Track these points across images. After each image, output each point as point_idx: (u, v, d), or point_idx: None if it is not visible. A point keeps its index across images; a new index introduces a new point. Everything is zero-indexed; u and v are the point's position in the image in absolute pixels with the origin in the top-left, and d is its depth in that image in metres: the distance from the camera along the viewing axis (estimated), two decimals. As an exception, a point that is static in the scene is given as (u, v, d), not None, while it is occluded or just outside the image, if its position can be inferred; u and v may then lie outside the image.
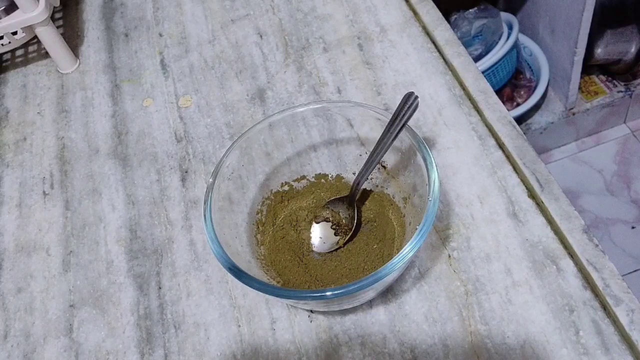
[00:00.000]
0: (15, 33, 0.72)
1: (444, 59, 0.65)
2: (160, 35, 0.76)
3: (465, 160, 0.56)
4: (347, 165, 0.55)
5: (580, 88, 1.44)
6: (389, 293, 0.50)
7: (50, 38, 0.70)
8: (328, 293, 0.40)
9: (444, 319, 0.48)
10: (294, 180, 0.55)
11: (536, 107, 1.41)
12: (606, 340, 0.45)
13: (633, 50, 1.38)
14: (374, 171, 0.51)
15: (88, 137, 0.67)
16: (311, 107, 0.51)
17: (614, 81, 1.45)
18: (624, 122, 1.50)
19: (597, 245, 0.49)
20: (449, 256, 0.51)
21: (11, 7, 0.67)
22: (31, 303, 0.55)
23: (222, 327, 0.50)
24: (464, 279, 0.49)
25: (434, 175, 0.44)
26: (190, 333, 0.50)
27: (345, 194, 0.53)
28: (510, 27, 1.32)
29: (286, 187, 0.55)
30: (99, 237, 0.58)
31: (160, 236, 0.57)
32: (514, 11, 1.43)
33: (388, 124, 0.47)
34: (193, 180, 0.60)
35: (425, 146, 0.46)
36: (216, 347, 0.49)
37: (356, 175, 0.50)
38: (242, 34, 0.73)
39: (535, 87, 1.39)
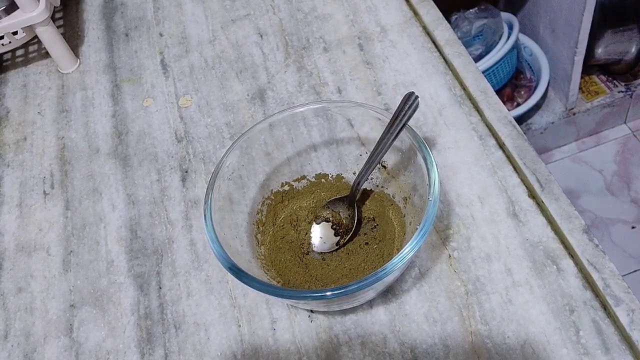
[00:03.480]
0: (15, 33, 0.72)
1: (444, 59, 0.65)
2: (161, 35, 0.76)
3: (466, 160, 0.56)
4: (348, 165, 0.55)
5: (580, 88, 1.44)
6: (389, 293, 0.50)
7: (50, 38, 0.70)
8: (328, 293, 0.40)
9: (444, 319, 0.48)
10: (294, 180, 0.55)
11: (536, 107, 1.41)
12: (606, 340, 0.45)
13: (633, 50, 1.38)
14: (374, 171, 0.51)
15: (88, 137, 0.67)
16: (311, 107, 0.51)
17: (615, 81, 1.45)
18: (624, 122, 1.50)
19: (597, 245, 0.49)
20: (449, 256, 0.51)
21: (12, 7, 0.67)
22: (31, 303, 0.55)
23: (222, 327, 0.50)
24: (464, 279, 0.49)
25: (434, 175, 0.44)
26: (191, 333, 0.50)
27: (345, 194, 0.53)
28: (510, 27, 1.32)
29: (286, 187, 0.55)
30: (99, 237, 0.58)
31: (160, 236, 0.57)
32: (514, 11, 1.43)
33: (388, 124, 0.47)
34: (193, 180, 0.60)
35: (425, 146, 0.46)
36: (216, 347, 0.49)
37: (356, 175, 0.50)
38: (243, 33, 0.73)
39: (535, 87, 1.39)
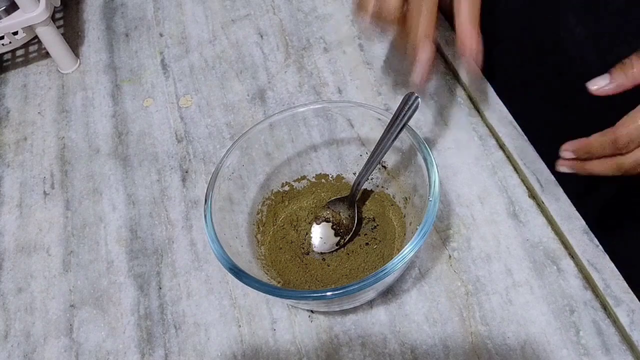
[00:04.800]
0: (15, 33, 0.72)
1: (444, 59, 0.65)
2: (161, 35, 0.76)
3: (466, 161, 0.56)
4: (348, 165, 0.55)
5: (580, 88, 1.43)
6: (389, 293, 0.50)
7: (50, 38, 0.70)
8: (328, 293, 0.40)
9: (444, 319, 0.48)
10: (294, 181, 0.55)
11: (537, 108, 1.41)
12: (607, 340, 0.45)
13: (634, 50, 1.38)
14: (374, 171, 0.51)
15: (88, 137, 0.67)
16: (312, 107, 0.51)
17: (615, 81, 1.45)
18: (625, 123, 1.50)
19: (597, 246, 0.49)
20: (450, 256, 0.51)
21: (12, 7, 0.67)
22: (31, 303, 0.55)
23: (222, 327, 0.50)
24: (465, 280, 0.49)
25: (435, 176, 0.44)
26: (191, 333, 0.50)
27: (345, 194, 0.53)
28: (510, 28, 1.32)
29: (287, 187, 0.55)
30: (100, 237, 0.58)
31: (160, 236, 0.57)
32: (514, 11, 1.43)
33: (388, 124, 0.47)
34: (193, 180, 0.60)
35: (425, 146, 0.46)
36: (216, 348, 0.49)
37: (356, 175, 0.50)
38: (243, 34, 0.73)
39: (535, 88, 1.38)
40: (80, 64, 0.75)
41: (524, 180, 0.54)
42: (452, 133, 0.59)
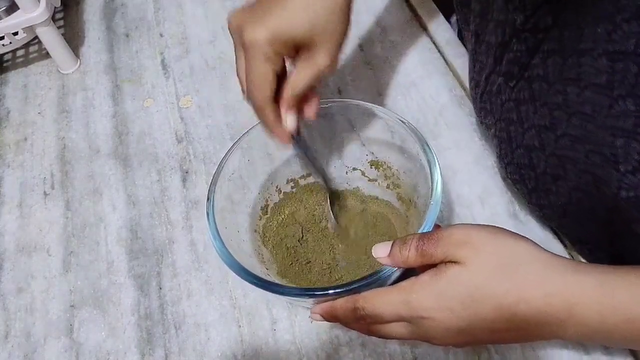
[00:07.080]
0: (16, 33, 0.72)
1: (444, 59, 0.65)
2: (161, 35, 0.76)
3: (466, 161, 0.56)
4: (348, 165, 0.55)
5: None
6: (389, 293, 0.49)
7: (51, 38, 0.70)
8: (330, 291, 0.40)
9: (445, 319, 0.47)
10: (294, 180, 0.55)
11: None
12: (607, 340, 0.45)
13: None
14: (376, 171, 0.51)
15: (89, 138, 0.67)
16: (312, 107, 0.51)
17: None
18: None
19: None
20: (450, 256, 0.51)
21: (12, 8, 0.67)
22: (32, 303, 0.55)
23: (222, 327, 0.50)
24: (465, 280, 0.49)
25: (437, 177, 0.44)
26: (191, 333, 0.50)
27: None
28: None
29: (287, 187, 0.55)
30: (100, 237, 0.58)
31: (160, 236, 0.57)
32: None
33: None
34: (194, 181, 0.60)
35: (429, 147, 0.46)
36: (217, 348, 0.49)
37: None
38: (243, 34, 0.73)
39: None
40: (80, 64, 0.75)
41: (525, 181, 0.54)
42: (452, 133, 0.59)
